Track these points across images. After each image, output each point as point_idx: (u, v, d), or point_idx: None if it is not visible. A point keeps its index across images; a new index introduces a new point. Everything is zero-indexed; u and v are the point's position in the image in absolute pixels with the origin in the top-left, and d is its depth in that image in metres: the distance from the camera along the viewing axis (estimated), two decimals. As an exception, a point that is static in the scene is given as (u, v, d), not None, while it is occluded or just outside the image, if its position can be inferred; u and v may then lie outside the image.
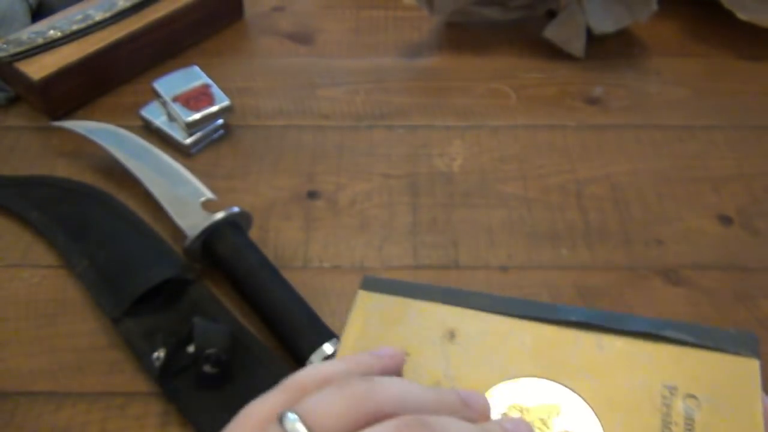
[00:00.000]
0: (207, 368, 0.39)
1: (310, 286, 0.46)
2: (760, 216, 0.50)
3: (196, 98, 0.55)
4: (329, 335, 0.41)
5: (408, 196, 0.52)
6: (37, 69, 0.56)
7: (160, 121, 0.56)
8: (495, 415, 0.27)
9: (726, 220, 0.50)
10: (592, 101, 0.59)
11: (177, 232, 0.47)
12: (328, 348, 0.40)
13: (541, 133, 0.57)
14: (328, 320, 0.43)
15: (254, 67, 0.63)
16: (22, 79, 0.56)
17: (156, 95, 0.56)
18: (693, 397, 0.26)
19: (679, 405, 0.26)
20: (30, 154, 0.56)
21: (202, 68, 0.58)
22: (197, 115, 0.54)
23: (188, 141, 0.55)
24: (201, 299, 0.44)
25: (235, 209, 0.46)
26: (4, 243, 0.49)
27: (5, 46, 0.57)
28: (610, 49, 0.64)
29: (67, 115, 0.58)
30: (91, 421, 0.40)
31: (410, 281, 0.32)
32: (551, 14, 0.64)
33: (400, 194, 0.52)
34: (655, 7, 0.60)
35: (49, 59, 0.57)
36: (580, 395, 0.27)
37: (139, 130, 0.56)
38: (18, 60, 0.56)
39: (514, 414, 0.27)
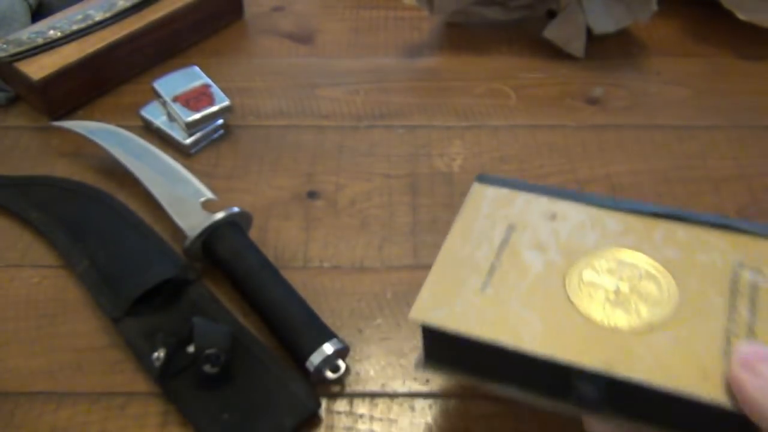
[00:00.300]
0: (207, 368, 0.39)
1: (310, 286, 0.46)
2: (760, 216, 0.50)
3: (196, 98, 0.55)
4: (329, 335, 0.41)
5: (408, 196, 0.52)
6: (37, 69, 0.56)
7: (160, 121, 0.56)
8: (593, 270, 0.33)
9: (726, 220, 0.50)
10: (592, 101, 0.59)
11: (177, 232, 0.47)
12: (328, 348, 0.40)
13: (541, 133, 0.57)
14: (328, 320, 0.43)
15: (254, 67, 0.63)
16: (22, 79, 0.56)
17: (156, 95, 0.56)
18: (759, 270, 0.32)
19: (747, 274, 0.31)
20: (30, 154, 0.56)
21: (202, 68, 0.58)
22: (197, 115, 0.54)
23: (188, 141, 0.55)
24: (201, 299, 0.44)
25: (235, 209, 0.46)
26: (4, 243, 0.49)
27: (5, 46, 0.57)
28: (610, 49, 0.64)
29: (67, 115, 0.58)
30: (91, 421, 0.40)
31: (518, 179, 0.39)
32: (551, 14, 0.64)
33: (400, 194, 0.52)
34: (655, 7, 0.60)
35: (49, 59, 0.57)
36: (659, 263, 0.33)
37: (139, 130, 0.56)
38: (18, 60, 0.56)
39: (603, 269, 0.33)
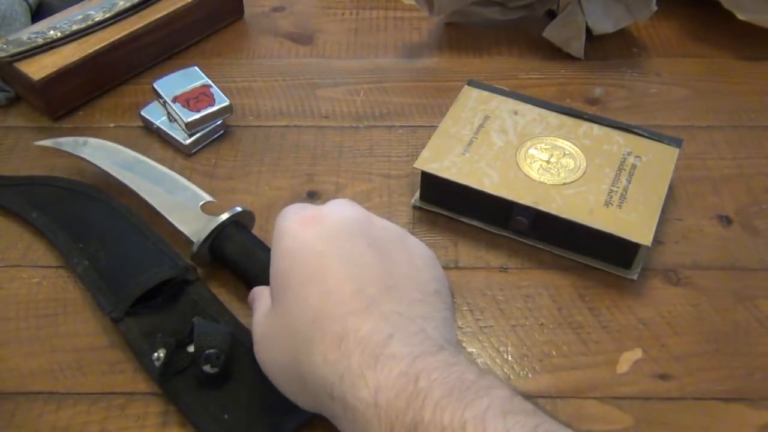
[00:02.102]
0: (207, 368, 0.39)
1: (310, 286, 0.46)
2: (760, 216, 0.50)
3: (196, 98, 0.55)
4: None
5: (408, 196, 0.52)
6: (37, 69, 0.56)
7: (160, 121, 0.56)
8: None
9: (726, 220, 0.50)
10: (592, 101, 0.59)
11: (177, 231, 0.47)
12: (328, 348, 0.40)
13: (541, 133, 0.56)
14: (328, 320, 0.43)
15: (254, 67, 0.63)
16: (22, 79, 0.56)
17: (156, 95, 0.56)
18: (639, 157, 0.49)
19: (631, 159, 0.49)
20: (30, 154, 0.56)
21: (202, 68, 0.58)
22: (197, 116, 0.54)
23: (188, 141, 0.55)
24: (201, 299, 0.44)
25: (238, 209, 0.46)
26: (4, 243, 0.49)
27: (5, 46, 0.57)
28: (610, 49, 0.64)
29: (68, 115, 0.58)
30: (91, 421, 0.40)
31: (497, 86, 0.55)
32: (551, 14, 0.64)
33: (400, 194, 0.52)
34: (654, 7, 0.60)
35: (49, 59, 0.57)
36: (578, 147, 0.50)
37: (140, 130, 0.57)
38: (18, 60, 0.56)
39: (542, 148, 0.49)
